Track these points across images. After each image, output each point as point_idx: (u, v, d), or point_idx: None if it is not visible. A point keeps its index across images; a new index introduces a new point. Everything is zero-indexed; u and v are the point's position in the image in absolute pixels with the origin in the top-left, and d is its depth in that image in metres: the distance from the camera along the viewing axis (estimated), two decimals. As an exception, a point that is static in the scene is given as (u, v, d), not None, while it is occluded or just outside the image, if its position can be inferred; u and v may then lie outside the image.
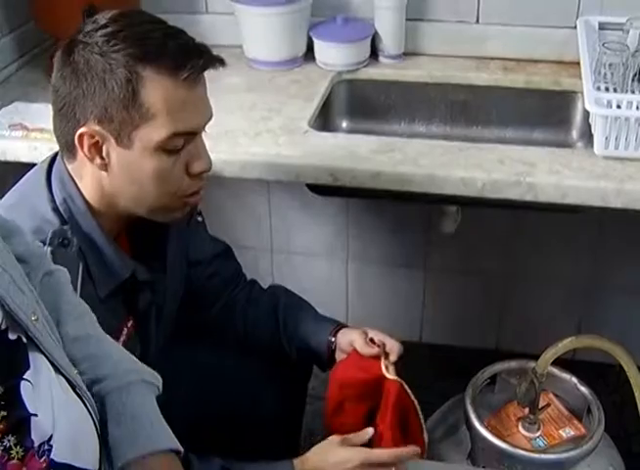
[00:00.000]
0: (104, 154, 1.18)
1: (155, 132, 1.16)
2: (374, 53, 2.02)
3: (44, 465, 0.83)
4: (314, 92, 1.90)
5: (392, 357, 1.44)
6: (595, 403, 1.52)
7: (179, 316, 1.52)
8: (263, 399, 1.50)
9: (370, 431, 1.34)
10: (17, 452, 0.81)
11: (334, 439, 1.31)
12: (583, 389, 1.56)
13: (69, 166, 1.24)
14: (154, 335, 1.41)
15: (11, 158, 1.68)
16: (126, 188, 1.21)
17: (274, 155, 1.65)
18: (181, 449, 1.02)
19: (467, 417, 1.51)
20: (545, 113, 1.94)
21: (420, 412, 1.41)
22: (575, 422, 1.54)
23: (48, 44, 1.27)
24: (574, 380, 1.57)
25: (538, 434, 1.51)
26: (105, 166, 1.20)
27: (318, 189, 1.77)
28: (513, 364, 1.59)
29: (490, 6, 1.96)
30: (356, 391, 1.42)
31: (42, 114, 1.66)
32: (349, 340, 1.48)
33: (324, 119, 1.93)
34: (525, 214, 2.08)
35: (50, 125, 1.27)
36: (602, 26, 1.87)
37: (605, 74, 1.77)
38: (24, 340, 0.87)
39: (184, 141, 1.20)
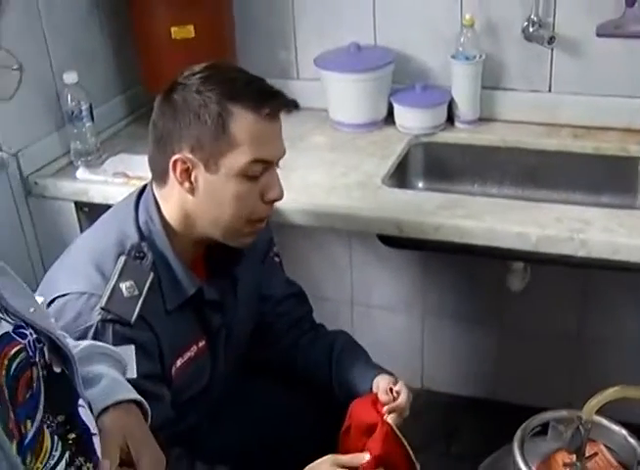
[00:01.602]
0: (192, 179, 1.37)
1: (239, 159, 1.35)
2: (450, 118, 2.15)
3: None
4: (391, 152, 2.05)
5: (393, 413, 1.48)
6: (644, 455, 1.56)
7: (248, 349, 1.66)
8: (307, 439, 1.56)
9: (366, 456, 1.39)
10: (88, 468, 0.93)
11: (329, 458, 1.39)
12: (633, 441, 1.59)
13: (158, 191, 1.43)
14: (222, 356, 1.54)
15: (112, 202, 1.88)
16: (208, 210, 1.39)
17: (347, 207, 1.80)
18: (143, 401, 1.13)
19: (514, 461, 1.58)
20: (613, 178, 2.02)
21: (413, 456, 1.46)
22: (624, 473, 1.58)
23: (153, 104, 1.48)
24: (624, 432, 1.61)
25: (585, 481, 1.56)
26: (192, 190, 1.38)
27: (389, 241, 1.90)
28: (563, 413, 1.65)
29: (562, 76, 2.07)
30: (359, 426, 1.49)
31: (143, 164, 1.84)
32: (377, 382, 1.56)
33: (401, 179, 2.07)
34: (594, 274, 2.14)
35: (148, 174, 1.48)
36: (669, 97, 1.95)
37: (672, 143, 1.85)
38: (66, 371, 0.99)
39: (261, 169, 1.38)
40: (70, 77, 1.94)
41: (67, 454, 0.91)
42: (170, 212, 1.42)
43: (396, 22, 2.15)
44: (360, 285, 2.49)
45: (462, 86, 2.10)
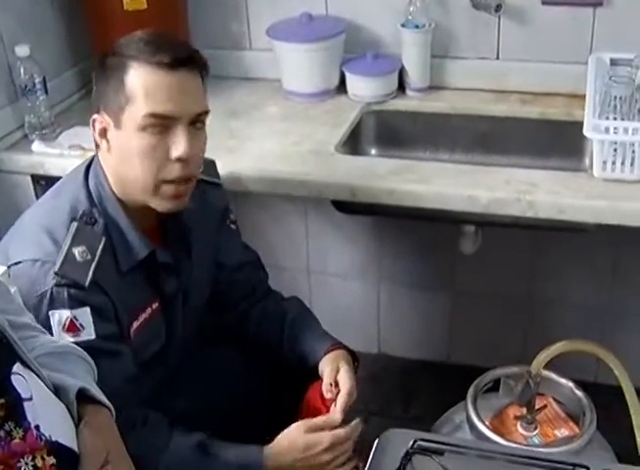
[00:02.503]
0: (108, 137, 1.41)
1: (135, 112, 1.36)
2: (401, 86, 2.19)
3: (42, 443, 0.95)
4: (343, 121, 2.08)
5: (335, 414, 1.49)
6: (589, 406, 1.63)
7: (205, 315, 1.68)
8: (264, 407, 1.61)
9: (337, 418, 1.46)
10: (17, 433, 0.93)
11: (299, 425, 1.44)
12: (579, 393, 1.67)
13: (99, 157, 1.46)
14: (179, 320, 1.57)
15: (69, 174, 1.89)
16: (122, 168, 1.41)
17: (300, 173, 1.83)
18: (111, 407, 1.13)
19: (468, 416, 1.64)
20: (559, 142, 2.08)
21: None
22: (571, 424, 1.65)
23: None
24: (571, 384, 1.69)
25: (535, 433, 1.63)
26: (109, 149, 1.42)
27: (343, 207, 1.94)
28: (514, 369, 1.72)
29: (509, 44, 2.12)
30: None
31: (98, 136, 1.87)
32: (322, 367, 1.59)
33: (353, 146, 2.10)
34: (543, 236, 2.21)
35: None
36: (613, 62, 1.99)
37: (615, 106, 1.90)
38: (4, 340, 0.99)
39: (164, 125, 1.37)
40: (23, 50, 1.94)
41: None
42: (110, 177, 1.45)
43: (347, -9, 2.18)
44: (316, 253, 2.53)
45: (412, 54, 2.14)
